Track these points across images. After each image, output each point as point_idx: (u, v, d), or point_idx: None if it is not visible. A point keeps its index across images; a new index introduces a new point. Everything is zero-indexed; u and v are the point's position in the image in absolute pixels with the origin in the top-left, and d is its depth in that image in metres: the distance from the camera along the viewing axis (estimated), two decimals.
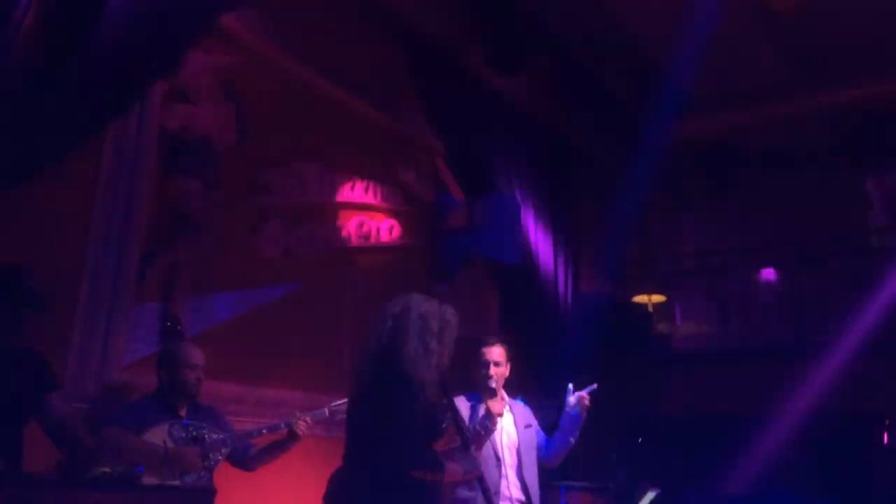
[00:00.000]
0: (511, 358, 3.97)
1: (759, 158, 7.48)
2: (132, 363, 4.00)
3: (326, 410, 3.71)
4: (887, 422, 7.04)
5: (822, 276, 7.75)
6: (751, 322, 7.95)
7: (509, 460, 3.83)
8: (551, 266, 6.62)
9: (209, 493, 3.43)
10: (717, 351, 7.72)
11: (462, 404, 3.88)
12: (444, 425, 3.04)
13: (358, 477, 2.92)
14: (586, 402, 3.83)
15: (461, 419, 3.18)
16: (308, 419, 3.68)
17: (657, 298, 8.18)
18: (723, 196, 8.05)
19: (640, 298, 8.14)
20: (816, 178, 7.69)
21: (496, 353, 3.94)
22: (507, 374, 3.93)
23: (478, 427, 3.62)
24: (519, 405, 4.06)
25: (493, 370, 3.85)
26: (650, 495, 4.40)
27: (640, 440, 7.39)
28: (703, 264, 8.46)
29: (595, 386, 3.91)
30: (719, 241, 8.40)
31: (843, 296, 7.44)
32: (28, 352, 2.91)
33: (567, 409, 3.87)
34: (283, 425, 3.67)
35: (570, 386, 3.83)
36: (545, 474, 5.14)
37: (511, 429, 3.91)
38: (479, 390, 3.86)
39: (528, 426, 3.99)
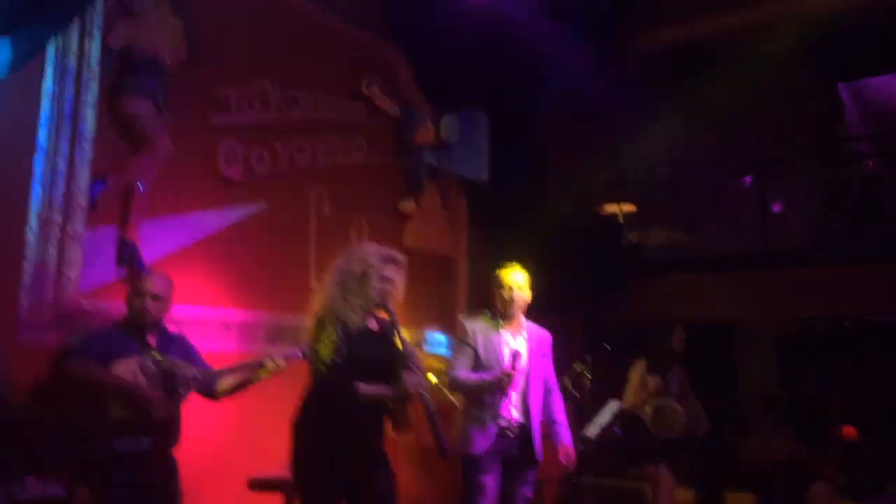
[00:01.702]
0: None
1: (729, 66, 7.33)
2: (88, 291, 3.93)
3: (300, 352, 3.65)
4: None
5: (791, 185, 7.75)
6: (720, 231, 7.98)
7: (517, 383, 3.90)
8: (520, 178, 6.53)
9: (176, 425, 3.47)
10: (686, 260, 7.78)
11: (476, 326, 3.98)
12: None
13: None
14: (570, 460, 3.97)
15: (405, 343, 3.26)
16: (281, 361, 3.62)
17: (627, 208, 8.17)
18: (693, 104, 7.93)
19: (611, 208, 8.13)
20: (787, 86, 7.58)
21: (516, 277, 3.99)
22: (528, 299, 4.00)
23: (486, 385, 3.80)
24: (539, 333, 4.11)
25: (515, 294, 3.95)
26: (612, 406, 4.48)
27: (608, 347, 7.55)
28: (672, 173, 8.41)
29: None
30: (689, 150, 8.33)
31: (811, 204, 7.50)
32: None
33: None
34: (255, 365, 3.60)
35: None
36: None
37: (524, 354, 3.97)
38: (497, 314, 3.99)
39: (543, 355, 4.07)
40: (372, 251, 3.35)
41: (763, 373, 7.67)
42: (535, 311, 4.05)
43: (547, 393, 4.04)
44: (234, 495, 4.10)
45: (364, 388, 3.13)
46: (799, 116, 7.87)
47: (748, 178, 8.01)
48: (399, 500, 3.28)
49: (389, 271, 3.30)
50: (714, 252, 7.63)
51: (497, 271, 4.03)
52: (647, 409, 5.39)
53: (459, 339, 4.01)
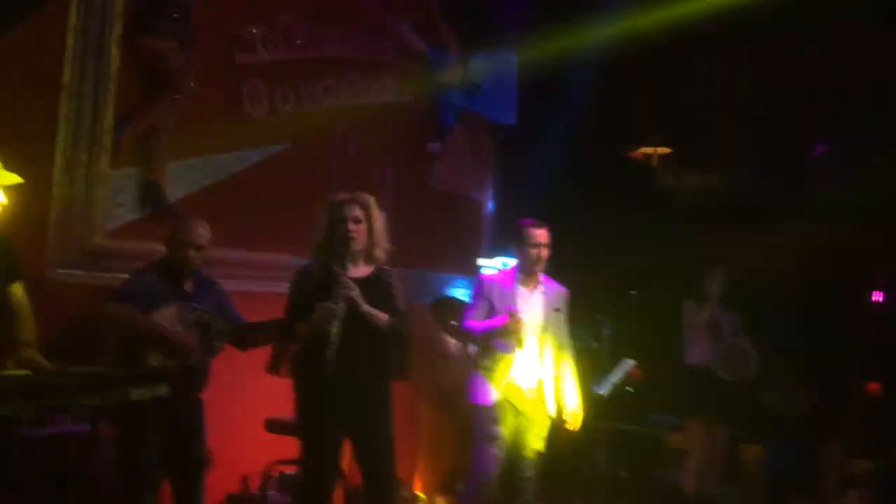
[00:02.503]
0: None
1: (777, 5, 7.01)
2: (114, 229, 4.01)
3: None
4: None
5: (835, 133, 7.49)
6: (757, 177, 7.80)
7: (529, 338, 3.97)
8: (550, 120, 6.42)
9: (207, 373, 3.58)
10: (720, 206, 7.64)
11: (493, 278, 4.07)
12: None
13: None
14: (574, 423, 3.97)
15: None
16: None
17: (663, 151, 8.01)
18: (736, 43, 7.65)
19: (646, 150, 7.98)
20: (835, 29, 7.24)
21: (542, 235, 4.01)
22: (547, 255, 4.06)
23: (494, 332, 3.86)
24: (554, 288, 4.12)
25: (542, 252, 4.00)
26: (625, 365, 4.50)
27: (634, 294, 7.51)
28: (713, 115, 8.18)
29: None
30: (731, 90, 8.07)
31: (854, 156, 7.25)
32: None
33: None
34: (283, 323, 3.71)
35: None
36: None
37: (539, 310, 4.02)
38: (521, 268, 4.05)
39: (556, 310, 4.09)
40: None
41: (788, 326, 7.58)
42: (561, 257, 4.05)
43: (558, 348, 4.06)
44: (253, 435, 4.24)
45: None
46: (847, 61, 7.54)
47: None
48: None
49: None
50: (750, 200, 7.48)
51: (526, 227, 4.02)
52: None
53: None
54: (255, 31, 4.66)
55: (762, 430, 5.76)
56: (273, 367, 3.44)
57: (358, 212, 3.49)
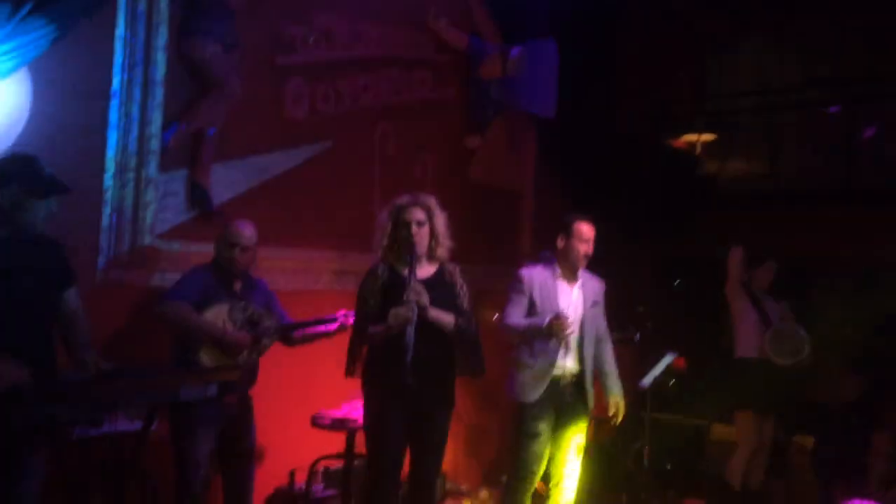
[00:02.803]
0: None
1: None
2: (162, 232, 4.12)
3: None
4: None
5: (887, 118, 7.29)
6: (803, 163, 7.65)
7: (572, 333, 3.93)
8: (591, 111, 6.38)
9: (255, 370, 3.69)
10: (765, 192, 7.51)
11: (534, 273, 3.97)
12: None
13: None
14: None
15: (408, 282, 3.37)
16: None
17: (706, 137, 7.89)
18: (783, 26, 7.48)
19: (690, 137, 7.87)
20: (890, 10, 7.03)
21: (591, 230, 3.99)
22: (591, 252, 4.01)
23: (537, 331, 3.79)
24: (593, 281, 4.13)
25: (588, 249, 3.97)
26: (667, 359, 4.49)
27: (677, 282, 7.44)
28: (758, 101, 8.02)
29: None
30: (777, 75, 7.91)
31: None
32: (53, 242, 3.00)
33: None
34: (329, 320, 3.84)
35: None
36: None
37: (579, 303, 4.02)
38: (560, 261, 4.00)
39: (595, 303, 4.09)
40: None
41: (839, 314, 7.45)
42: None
43: (598, 342, 4.06)
44: (300, 431, 4.34)
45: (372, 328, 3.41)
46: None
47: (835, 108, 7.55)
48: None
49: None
50: (796, 186, 7.34)
51: (576, 221, 3.98)
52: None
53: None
54: (295, 31, 4.72)
55: (812, 420, 5.68)
56: (349, 371, 3.45)
57: (420, 214, 3.48)
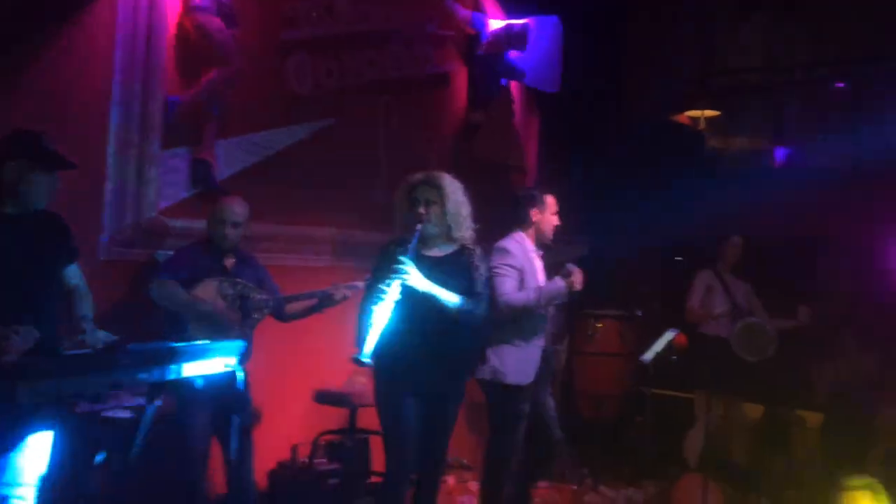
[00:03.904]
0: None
1: None
2: (165, 209, 4.12)
3: (361, 284, 3.79)
4: None
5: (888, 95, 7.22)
6: (809, 140, 7.60)
7: None
8: (596, 87, 6.35)
9: (249, 345, 3.70)
10: (768, 169, 7.48)
11: (517, 248, 3.94)
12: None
13: None
14: (576, 282, 3.81)
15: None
16: (347, 292, 3.82)
17: (710, 114, 7.85)
18: (792, 4, 7.41)
19: (694, 114, 7.83)
20: None
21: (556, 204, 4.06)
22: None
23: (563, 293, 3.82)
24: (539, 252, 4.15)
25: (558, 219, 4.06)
26: (669, 335, 4.51)
27: (679, 260, 7.43)
28: (764, 78, 7.96)
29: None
30: (784, 53, 7.84)
31: None
32: (56, 218, 3.00)
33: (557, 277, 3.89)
34: (321, 294, 3.83)
35: (569, 266, 3.84)
36: (578, 303, 5.32)
37: (543, 274, 4.03)
38: (538, 235, 4.06)
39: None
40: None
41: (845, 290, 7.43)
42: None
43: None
44: (303, 406, 4.36)
45: None
46: None
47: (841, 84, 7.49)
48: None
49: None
50: (801, 163, 7.31)
51: (546, 196, 4.05)
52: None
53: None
54: (298, 5, 4.68)
55: (822, 397, 5.69)
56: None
57: (430, 193, 3.36)
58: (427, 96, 5.46)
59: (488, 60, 5.75)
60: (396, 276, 3.16)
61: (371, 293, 3.26)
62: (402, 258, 3.20)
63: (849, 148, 7.04)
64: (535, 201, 4.01)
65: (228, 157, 4.37)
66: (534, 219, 4.00)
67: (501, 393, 3.82)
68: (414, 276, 3.19)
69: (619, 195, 6.67)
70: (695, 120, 7.76)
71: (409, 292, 3.18)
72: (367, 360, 3.07)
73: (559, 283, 3.80)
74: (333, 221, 4.86)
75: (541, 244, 4.05)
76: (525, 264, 3.90)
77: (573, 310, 5.64)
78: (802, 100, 7.83)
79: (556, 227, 4.05)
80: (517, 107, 6.17)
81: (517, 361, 3.82)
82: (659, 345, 4.51)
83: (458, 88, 5.73)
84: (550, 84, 5.84)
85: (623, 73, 6.85)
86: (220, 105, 4.29)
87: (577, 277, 3.79)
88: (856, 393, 5.44)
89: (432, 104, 5.50)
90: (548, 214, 4.01)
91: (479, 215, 3.50)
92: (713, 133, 7.87)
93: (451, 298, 3.27)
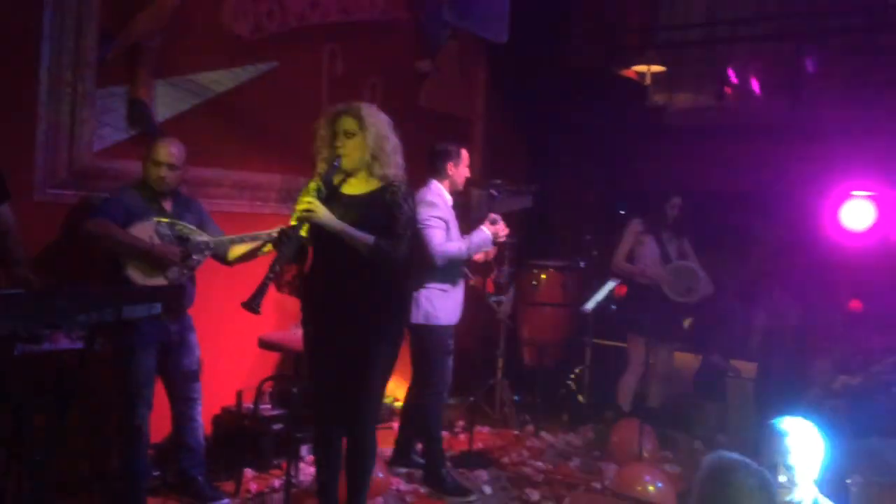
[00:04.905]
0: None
1: None
2: (101, 150, 4.00)
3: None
4: None
5: (833, 53, 7.37)
6: (750, 97, 7.73)
7: None
8: (542, 39, 6.32)
9: (190, 287, 3.65)
10: (712, 126, 7.59)
11: (440, 200, 4.16)
12: None
13: None
14: (500, 231, 4.11)
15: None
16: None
17: (656, 69, 7.91)
18: None
19: (639, 68, 7.89)
20: None
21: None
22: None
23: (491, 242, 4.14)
24: None
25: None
26: (609, 285, 4.60)
27: (622, 212, 7.55)
28: (709, 34, 8.04)
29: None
30: (729, 8, 7.92)
31: (850, 75, 7.15)
32: None
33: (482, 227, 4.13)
34: (264, 236, 3.72)
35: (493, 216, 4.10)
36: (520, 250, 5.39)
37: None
38: (452, 186, 4.27)
39: None
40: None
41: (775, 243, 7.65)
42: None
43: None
44: (248, 352, 4.33)
45: None
46: None
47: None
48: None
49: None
50: (742, 119, 7.43)
51: (460, 149, 4.25)
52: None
53: None
54: None
55: (755, 347, 5.88)
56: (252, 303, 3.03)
57: (350, 124, 3.17)
58: (373, 43, 5.36)
59: (436, 8, 5.67)
60: (301, 213, 3.05)
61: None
62: (306, 195, 3.08)
63: (788, 105, 7.20)
64: (452, 155, 4.21)
65: (167, 99, 4.25)
66: (449, 172, 4.21)
67: (436, 333, 4.10)
68: (319, 213, 3.05)
69: (564, 148, 6.72)
70: (641, 75, 7.82)
71: (319, 232, 3.09)
72: (254, 307, 2.97)
73: (485, 232, 4.07)
74: (278, 168, 4.79)
75: (456, 192, 4.28)
76: (447, 215, 4.13)
77: (519, 261, 5.71)
78: (743, 57, 7.95)
79: (467, 178, 4.27)
80: (464, 56, 6.11)
81: (446, 304, 4.10)
82: (600, 294, 4.60)
83: (405, 36, 5.64)
84: (498, 34, 5.80)
85: (569, 25, 6.82)
86: (158, 44, 4.15)
87: (501, 227, 4.08)
88: (786, 342, 5.65)
89: (379, 51, 5.41)
90: (462, 167, 4.23)
91: (421, 164, 3.49)
92: (658, 88, 7.95)
93: (363, 238, 3.09)
